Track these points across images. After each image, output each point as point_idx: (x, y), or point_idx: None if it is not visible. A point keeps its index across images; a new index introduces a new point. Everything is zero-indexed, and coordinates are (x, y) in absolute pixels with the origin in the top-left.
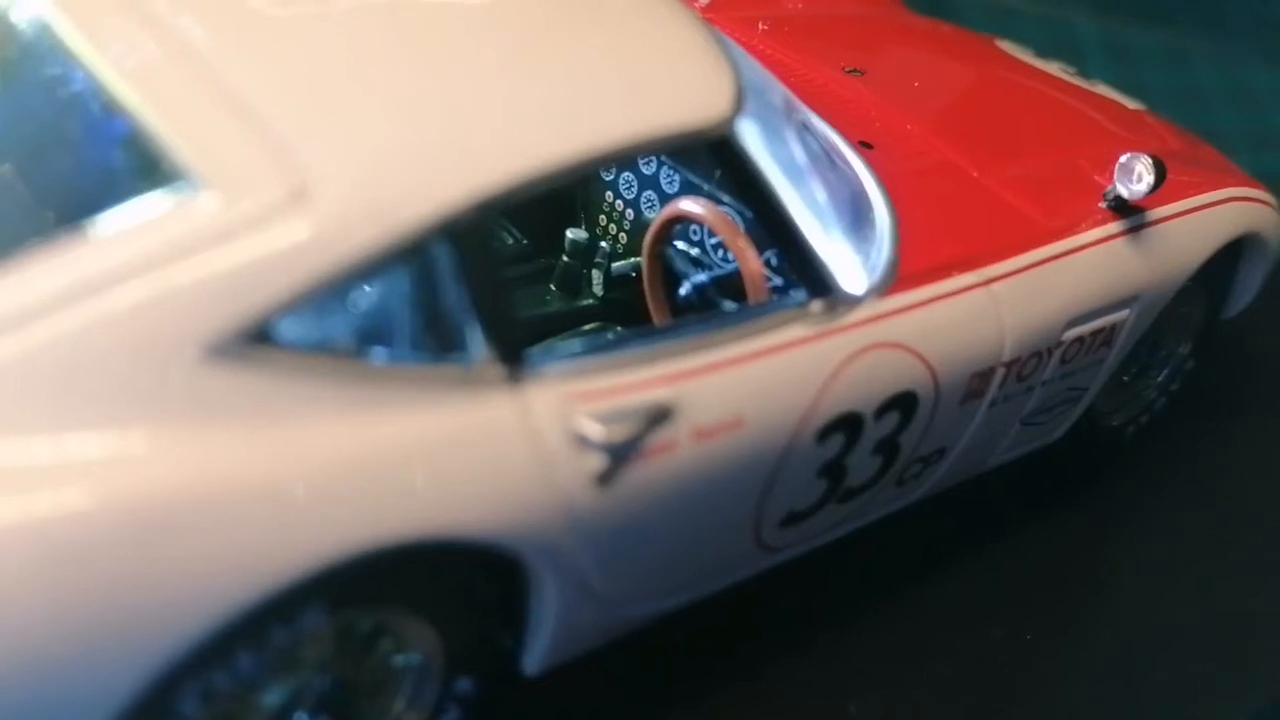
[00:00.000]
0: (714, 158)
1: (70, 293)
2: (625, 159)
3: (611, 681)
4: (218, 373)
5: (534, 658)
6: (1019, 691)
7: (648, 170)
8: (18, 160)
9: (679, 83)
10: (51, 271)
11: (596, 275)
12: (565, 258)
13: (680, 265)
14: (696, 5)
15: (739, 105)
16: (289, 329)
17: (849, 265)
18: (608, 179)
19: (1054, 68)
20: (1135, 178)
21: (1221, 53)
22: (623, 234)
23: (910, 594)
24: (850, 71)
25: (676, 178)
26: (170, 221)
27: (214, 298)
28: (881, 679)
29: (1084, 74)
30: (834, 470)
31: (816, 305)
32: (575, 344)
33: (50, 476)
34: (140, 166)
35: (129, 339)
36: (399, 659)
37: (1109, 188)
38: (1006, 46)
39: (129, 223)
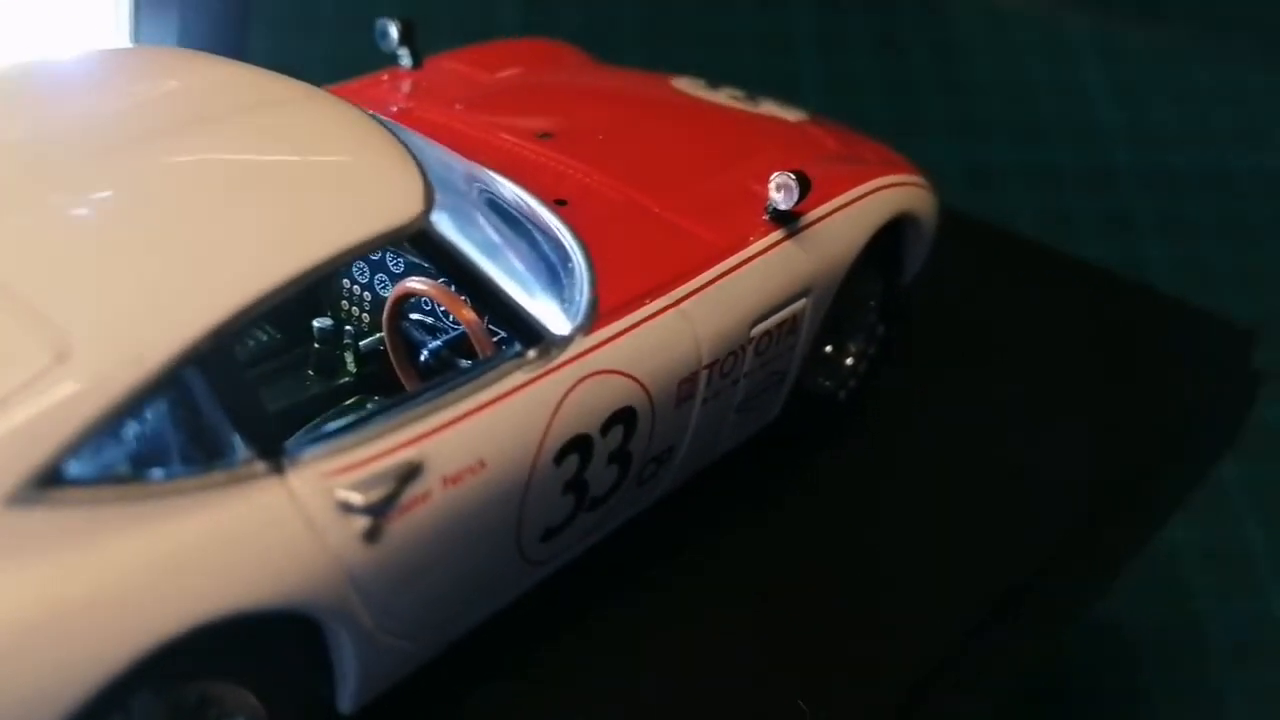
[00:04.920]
0: (416, 248)
1: None
2: (336, 267)
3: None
4: (20, 517)
5: (345, 698)
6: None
7: (375, 257)
8: None
9: (373, 193)
10: None
11: (348, 356)
12: (316, 345)
13: (418, 335)
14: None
15: (429, 202)
16: (74, 468)
17: (553, 312)
18: (341, 270)
19: (722, 95)
20: (784, 191)
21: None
22: (364, 314)
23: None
24: (541, 136)
25: (401, 260)
26: None
27: (3, 455)
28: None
29: (752, 95)
30: (577, 485)
31: (531, 353)
32: (327, 428)
33: None
34: None
35: None
36: None
37: (768, 202)
38: (680, 84)
39: None
